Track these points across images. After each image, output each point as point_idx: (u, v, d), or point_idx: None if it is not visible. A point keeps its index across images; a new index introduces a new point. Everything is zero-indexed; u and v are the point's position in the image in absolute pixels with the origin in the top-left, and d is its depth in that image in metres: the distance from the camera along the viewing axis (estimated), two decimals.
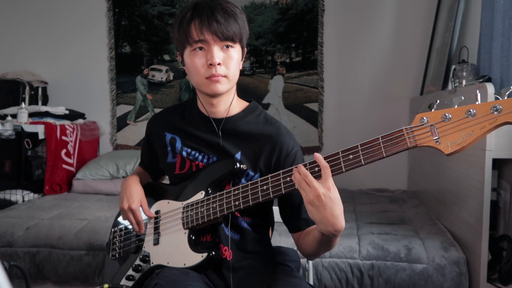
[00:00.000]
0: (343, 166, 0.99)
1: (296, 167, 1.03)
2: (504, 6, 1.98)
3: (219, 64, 1.12)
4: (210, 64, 1.12)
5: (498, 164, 1.98)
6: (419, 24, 3.23)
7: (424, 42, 3.18)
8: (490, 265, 1.86)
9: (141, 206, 1.28)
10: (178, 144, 1.26)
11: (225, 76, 1.15)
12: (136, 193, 1.29)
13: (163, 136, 1.29)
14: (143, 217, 1.29)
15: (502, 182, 2.04)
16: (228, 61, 1.14)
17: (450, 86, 2.48)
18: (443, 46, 2.74)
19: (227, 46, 1.14)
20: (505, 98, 0.87)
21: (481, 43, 2.15)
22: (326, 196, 0.97)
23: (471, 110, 0.89)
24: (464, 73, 2.20)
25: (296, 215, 1.20)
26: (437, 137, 0.92)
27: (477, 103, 0.89)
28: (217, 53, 1.12)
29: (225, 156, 1.21)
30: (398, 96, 3.28)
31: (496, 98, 0.89)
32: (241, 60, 1.20)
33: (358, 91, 3.36)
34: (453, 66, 2.41)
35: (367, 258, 1.91)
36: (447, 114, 0.91)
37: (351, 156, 0.99)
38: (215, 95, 1.18)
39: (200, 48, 1.13)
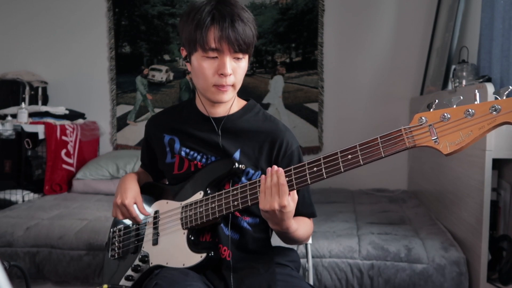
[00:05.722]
0: (341, 166, 0.99)
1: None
2: (504, 6, 1.98)
3: (230, 74, 1.13)
4: (221, 74, 1.12)
5: (498, 164, 1.98)
6: (419, 24, 3.23)
7: (424, 42, 3.18)
8: (490, 265, 1.86)
9: (135, 203, 1.27)
10: (177, 145, 1.27)
11: (232, 85, 1.15)
12: (130, 190, 1.28)
13: (161, 137, 1.29)
14: (140, 216, 1.29)
15: (502, 182, 2.04)
16: (237, 70, 1.15)
17: (450, 86, 2.48)
18: (443, 46, 2.74)
19: (238, 58, 1.14)
20: (504, 97, 0.87)
21: (481, 43, 2.15)
22: (279, 211, 1.03)
23: (470, 110, 0.88)
24: (464, 73, 2.20)
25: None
26: (435, 137, 0.91)
27: (476, 102, 0.89)
28: (230, 63, 1.13)
29: (224, 156, 1.21)
30: (398, 96, 3.27)
31: (496, 98, 0.88)
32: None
33: (358, 91, 3.35)
34: (453, 66, 2.41)
35: (367, 258, 1.91)
36: (445, 114, 0.90)
37: (349, 156, 0.98)
38: (218, 103, 1.19)
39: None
